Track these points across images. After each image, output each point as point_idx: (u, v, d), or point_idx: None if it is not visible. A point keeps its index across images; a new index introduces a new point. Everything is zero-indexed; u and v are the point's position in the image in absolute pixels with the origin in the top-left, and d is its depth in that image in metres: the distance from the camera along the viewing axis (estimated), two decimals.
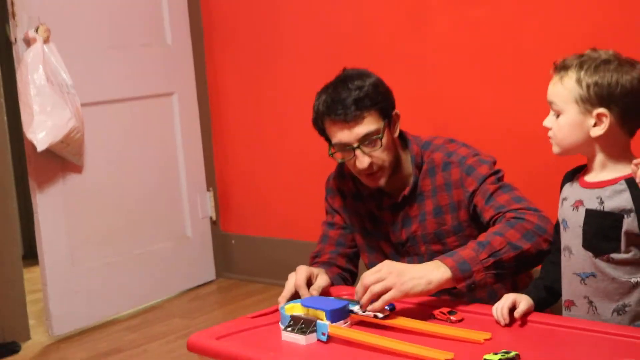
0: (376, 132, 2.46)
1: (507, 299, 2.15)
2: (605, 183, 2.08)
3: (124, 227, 4.23)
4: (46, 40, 3.74)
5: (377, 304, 2.15)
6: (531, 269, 2.40)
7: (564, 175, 2.23)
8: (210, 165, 4.64)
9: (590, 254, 2.08)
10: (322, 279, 2.44)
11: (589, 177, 2.13)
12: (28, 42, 3.74)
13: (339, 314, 2.12)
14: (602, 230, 2.07)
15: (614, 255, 2.05)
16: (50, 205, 3.90)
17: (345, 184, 2.72)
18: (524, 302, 2.14)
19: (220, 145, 4.63)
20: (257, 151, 4.50)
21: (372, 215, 2.67)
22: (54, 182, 3.91)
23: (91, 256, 4.09)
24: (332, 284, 2.50)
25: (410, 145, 2.59)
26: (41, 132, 3.66)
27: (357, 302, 2.25)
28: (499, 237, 2.29)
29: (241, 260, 4.64)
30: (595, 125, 2.06)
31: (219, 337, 2.16)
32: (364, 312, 2.16)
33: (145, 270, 4.31)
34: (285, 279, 2.43)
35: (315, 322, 2.09)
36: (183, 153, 4.50)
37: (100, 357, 3.67)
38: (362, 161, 2.47)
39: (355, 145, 2.46)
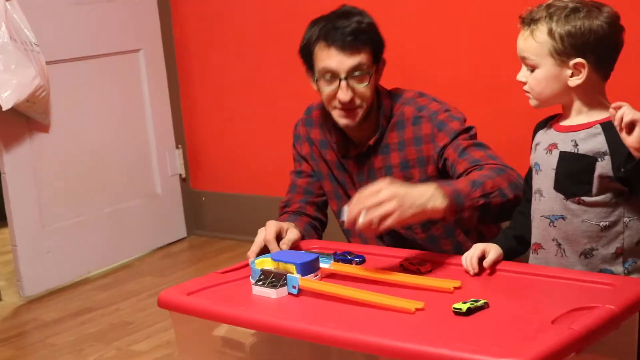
0: (367, 67, 2.46)
1: (476, 248, 2.16)
2: (581, 127, 2.08)
3: (93, 186, 4.21)
4: None
5: (371, 232, 2.13)
6: (507, 220, 2.41)
7: (536, 124, 2.23)
8: (179, 122, 4.61)
9: (562, 196, 2.09)
10: (292, 233, 2.43)
11: (564, 122, 2.13)
12: None
13: (309, 267, 2.12)
14: (575, 173, 2.07)
15: (585, 198, 2.06)
16: (17, 165, 3.87)
17: (313, 132, 2.70)
18: (493, 251, 2.15)
19: (188, 101, 4.60)
20: (225, 107, 4.47)
21: (339, 164, 2.66)
22: (20, 142, 3.87)
23: (61, 216, 4.07)
24: (302, 238, 2.50)
25: (381, 96, 2.58)
26: (6, 91, 3.61)
27: (327, 256, 2.25)
28: (490, 181, 2.29)
29: (212, 217, 4.64)
30: (572, 75, 2.05)
31: (190, 292, 2.16)
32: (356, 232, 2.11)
33: (115, 229, 4.30)
34: (256, 234, 2.42)
35: (286, 275, 2.09)
36: (151, 110, 4.47)
37: (72, 317, 3.66)
38: (346, 93, 2.45)
39: (343, 76, 2.45)
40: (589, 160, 2.05)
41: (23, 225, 3.90)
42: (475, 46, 3.57)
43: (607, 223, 2.07)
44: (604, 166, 2.04)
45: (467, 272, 2.14)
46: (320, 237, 2.68)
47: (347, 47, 2.44)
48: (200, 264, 4.26)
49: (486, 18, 3.53)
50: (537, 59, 2.06)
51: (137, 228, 4.41)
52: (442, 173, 2.52)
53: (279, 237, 2.40)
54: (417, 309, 1.90)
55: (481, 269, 2.14)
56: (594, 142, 2.05)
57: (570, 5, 2.06)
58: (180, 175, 4.65)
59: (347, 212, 2.13)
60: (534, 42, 2.06)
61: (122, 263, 4.31)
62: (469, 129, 2.50)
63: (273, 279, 2.10)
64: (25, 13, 3.73)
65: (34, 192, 3.94)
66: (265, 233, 2.39)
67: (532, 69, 2.08)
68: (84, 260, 4.15)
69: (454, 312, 1.88)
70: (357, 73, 2.45)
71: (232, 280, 2.25)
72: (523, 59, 2.10)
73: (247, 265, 2.28)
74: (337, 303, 2.00)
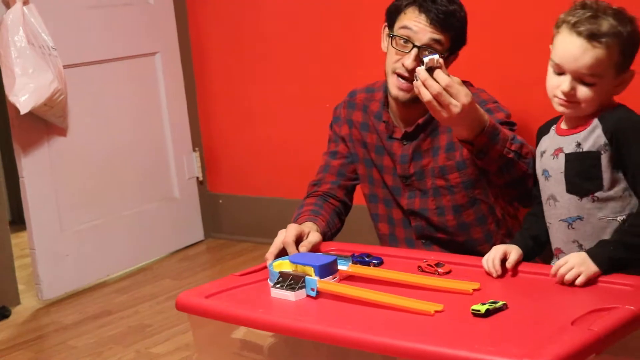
0: (443, 49, 2.48)
1: (497, 250, 2.15)
2: (581, 127, 2.08)
3: (110, 189, 4.21)
4: (26, 2, 3.69)
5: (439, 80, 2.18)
6: (515, 195, 2.44)
7: (538, 130, 2.22)
8: (196, 125, 4.62)
9: (576, 197, 2.08)
10: (313, 236, 2.43)
11: (566, 125, 2.12)
12: (7, 4, 3.68)
13: (328, 270, 2.12)
14: (583, 171, 2.07)
15: (599, 194, 2.06)
16: (35, 169, 3.88)
17: (355, 114, 2.72)
18: (514, 252, 2.14)
19: (205, 104, 4.60)
20: (242, 110, 4.47)
21: (379, 147, 2.66)
22: (38, 146, 3.88)
23: (79, 219, 4.08)
24: (324, 236, 2.50)
25: None
26: (24, 95, 3.62)
27: (345, 258, 2.25)
28: (527, 148, 2.34)
29: (229, 220, 4.64)
30: (619, 84, 2.03)
31: (208, 295, 2.16)
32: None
33: (133, 232, 4.30)
34: (274, 237, 2.42)
35: (304, 278, 2.09)
36: (168, 113, 4.47)
37: (91, 320, 3.67)
38: (412, 62, 2.46)
39: (418, 44, 2.46)
40: (594, 156, 2.05)
41: (41, 228, 3.91)
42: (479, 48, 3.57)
43: (624, 216, 2.06)
44: (608, 158, 2.03)
45: (488, 274, 2.13)
46: (342, 224, 2.70)
47: (435, 22, 2.46)
48: (218, 267, 4.26)
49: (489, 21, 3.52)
50: (603, 74, 2.00)
51: (155, 231, 4.41)
52: None
53: (299, 240, 2.40)
54: (436, 311, 1.90)
55: (503, 270, 2.13)
56: (594, 138, 2.05)
57: (621, 14, 2.01)
58: (198, 178, 4.65)
59: None
60: (608, 62, 1.99)
61: (140, 266, 4.32)
62: (513, 123, 2.52)
63: (291, 281, 2.10)
64: (43, 17, 3.74)
65: (52, 196, 3.95)
66: (285, 235, 2.39)
67: (591, 83, 2.02)
68: (102, 263, 4.16)
69: (472, 313, 1.87)
70: (431, 49, 2.46)
71: (250, 282, 2.25)
72: (582, 75, 2.01)
73: (265, 267, 2.28)
74: (355, 305, 2.00)
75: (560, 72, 2.05)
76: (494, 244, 2.25)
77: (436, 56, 2.22)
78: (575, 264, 1.97)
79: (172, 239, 4.51)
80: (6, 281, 3.89)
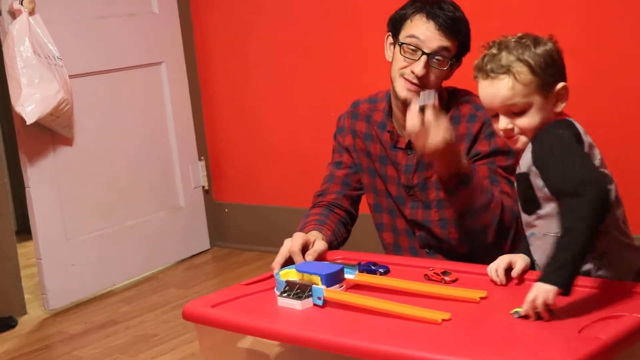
0: (451, 55, 2.49)
1: (502, 260, 2.15)
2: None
3: (116, 198, 4.22)
4: (32, 12, 3.70)
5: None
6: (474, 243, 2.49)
7: None
8: (201, 134, 4.63)
9: (526, 215, 2.12)
10: (319, 244, 2.43)
11: None
12: (13, 14, 3.70)
13: (334, 278, 2.11)
14: (524, 192, 2.10)
15: (539, 212, 2.07)
16: (41, 178, 3.89)
17: (359, 124, 2.71)
18: (520, 261, 2.14)
19: (211, 113, 4.61)
20: (247, 119, 4.48)
21: (384, 157, 2.66)
22: (44, 155, 3.89)
23: (84, 229, 4.08)
24: (330, 245, 2.49)
25: (442, 90, 2.59)
26: (30, 105, 3.63)
27: (352, 266, 2.25)
28: (498, 199, 2.40)
29: (235, 229, 4.64)
30: (556, 101, 2.06)
31: (214, 304, 2.15)
32: None
33: (139, 242, 4.31)
34: (279, 246, 2.42)
35: (311, 286, 2.08)
36: (173, 123, 4.48)
37: (96, 330, 3.67)
38: (422, 69, 2.46)
39: (428, 51, 2.46)
40: (525, 177, 2.08)
41: (47, 238, 3.92)
42: None
43: None
44: (534, 179, 2.05)
45: (494, 282, 2.13)
46: (349, 233, 2.69)
47: (444, 28, 2.46)
48: (223, 276, 4.26)
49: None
50: (527, 100, 2.03)
51: (161, 240, 4.41)
52: None
53: (305, 249, 2.40)
54: (444, 320, 1.89)
55: (508, 279, 2.13)
56: (526, 158, 2.07)
57: (525, 40, 2.06)
58: (203, 187, 4.66)
59: None
60: (521, 86, 2.02)
61: (146, 275, 4.32)
62: (510, 153, 2.50)
63: (298, 290, 2.09)
64: (49, 27, 3.76)
65: (58, 206, 3.95)
66: (292, 244, 2.39)
67: (521, 111, 2.05)
68: (108, 272, 4.16)
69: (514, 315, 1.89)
70: (439, 57, 2.47)
71: (256, 291, 2.24)
72: (509, 107, 2.05)
73: (271, 276, 2.28)
74: (362, 314, 2.00)
75: (494, 115, 2.11)
76: (498, 255, 2.24)
77: (433, 92, 2.25)
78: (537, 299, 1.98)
79: (178, 248, 4.51)
80: (12, 291, 3.90)
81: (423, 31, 2.46)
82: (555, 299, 1.86)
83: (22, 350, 3.52)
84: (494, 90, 2.06)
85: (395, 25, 2.54)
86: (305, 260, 2.35)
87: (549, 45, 2.06)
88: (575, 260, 1.90)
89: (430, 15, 2.47)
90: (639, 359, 1.86)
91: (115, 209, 4.22)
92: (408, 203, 2.61)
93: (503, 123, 2.07)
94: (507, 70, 2.03)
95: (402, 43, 2.49)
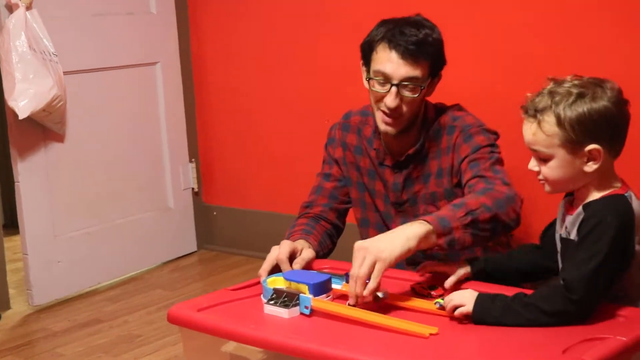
0: (421, 80, 2.46)
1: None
2: (573, 210, 2.06)
3: (105, 197, 4.21)
4: (29, 7, 3.69)
5: (371, 284, 2.07)
6: (502, 235, 2.41)
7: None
8: (193, 137, 4.62)
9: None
10: (307, 252, 2.43)
11: (575, 203, 2.09)
12: (10, 8, 3.69)
13: (322, 288, 2.12)
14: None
15: None
16: (31, 174, 3.87)
17: (350, 137, 2.71)
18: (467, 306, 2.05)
19: (204, 116, 4.60)
20: (240, 123, 4.48)
21: (372, 172, 2.66)
22: (35, 151, 3.87)
23: (72, 226, 4.07)
24: (317, 254, 2.49)
25: (428, 110, 2.59)
26: (23, 100, 3.62)
27: (339, 276, 2.25)
28: (473, 200, 2.29)
29: (223, 232, 4.64)
30: (587, 160, 2.00)
31: (200, 309, 2.16)
32: (358, 303, 2.09)
33: (126, 241, 4.30)
34: (267, 251, 2.42)
35: (298, 295, 2.09)
36: (166, 124, 4.48)
37: (80, 328, 3.66)
38: (394, 100, 2.45)
39: (396, 82, 2.44)
40: (572, 243, 2.03)
41: (35, 234, 3.90)
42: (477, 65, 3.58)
43: None
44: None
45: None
46: (334, 245, 2.69)
47: (408, 55, 2.43)
48: (209, 279, 4.25)
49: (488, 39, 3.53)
50: (549, 151, 2.00)
51: (148, 241, 4.41)
52: (461, 184, 2.54)
53: (292, 257, 2.40)
54: (431, 334, 1.89)
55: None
56: (576, 225, 2.03)
57: (574, 90, 1.99)
58: (193, 189, 4.65)
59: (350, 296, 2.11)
60: (544, 135, 1.99)
61: (131, 275, 4.31)
62: (493, 145, 2.51)
63: (285, 298, 2.10)
64: (45, 23, 3.75)
65: (46, 202, 3.94)
66: (279, 252, 2.39)
67: (545, 159, 2.02)
68: (94, 271, 4.15)
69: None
70: (409, 83, 2.45)
71: (243, 297, 2.25)
72: (534, 151, 2.04)
73: (258, 282, 2.28)
74: (349, 325, 2.00)
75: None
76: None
77: (385, 295, 2.13)
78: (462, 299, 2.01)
79: (165, 249, 4.50)
80: None
81: (387, 63, 2.45)
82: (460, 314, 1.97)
83: (4, 345, 3.50)
84: (524, 130, 2.04)
85: (365, 54, 2.54)
86: (292, 268, 2.35)
87: (600, 104, 1.98)
88: (503, 316, 1.95)
89: (392, 44, 2.44)
90: None
91: (104, 207, 4.21)
92: (397, 219, 2.61)
93: (531, 164, 2.06)
94: (536, 115, 2.00)
95: (370, 78, 2.49)
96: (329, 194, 2.72)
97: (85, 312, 3.84)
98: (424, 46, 2.45)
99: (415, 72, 2.44)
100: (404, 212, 2.62)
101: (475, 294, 2.00)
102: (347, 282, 2.24)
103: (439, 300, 2.01)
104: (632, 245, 1.99)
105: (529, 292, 2.00)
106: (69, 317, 3.79)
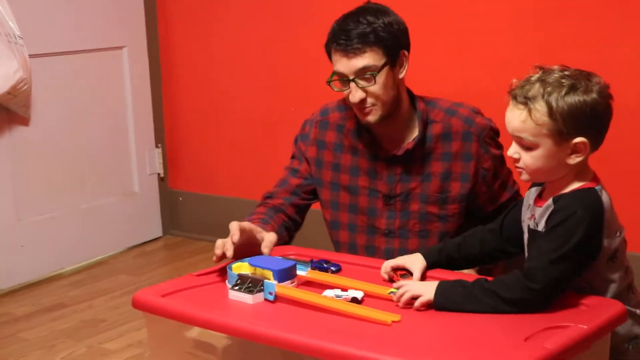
0: (373, 68, 2.43)
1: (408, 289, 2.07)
2: (543, 202, 2.05)
3: (70, 181, 4.19)
4: None
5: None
6: None
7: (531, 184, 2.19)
8: (160, 122, 4.60)
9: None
10: (270, 235, 2.38)
11: (545, 195, 2.08)
12: None
13: (287, 274, 2.12)
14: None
15: None
16: None
17: (328, 135, 2.66)
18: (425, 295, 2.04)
19: (171, 101, 4.59)
20: (206, 108, 4.47)
21: (354, 168, 2.62)
22: None
23: (36, 210, 4.05)
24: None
25: (415, 100, 2.57)
26: None
27: (305, 263, 2.25)
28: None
29: (188, 218, 4.63)
30: (571, 153, 1.98)
31: (165, 294, 2.15)
32: None
33: (91, 226, 4.28)
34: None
35: (263, 281, 2.09)
36: (132, 109, 4.46)
37: (44, 312, 3.64)
38: (355, 95, 2.44)
39: (351, 77, 2.44)
40: (540, 235, 2.03)
41: None
42: (460, 61, 3.59)
43: None
44: None
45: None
46: (291, 239, 2.68)
47: (350, 50, 2.42)
48: (174, 264, 4.25)
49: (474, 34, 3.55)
50: (535, 139, 1.97)
51: (113, 225, 4.39)
52: (472, 191, 2.58)
53: (251, 240, 2.35)
54: (394, 322, 1.90)
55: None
56: (544, 217, 2.03)
57: (565, 81, 1.97)
58: (159, 174, 4.64)
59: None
60: (533, 124, 1.96)
61: (96, 260, 4.30)
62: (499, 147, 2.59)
63: (250, 284, 2.10)
64: (11, 5, 3.71)
65: (10, 185, 3.92)
66: (239, 223, 2.33)
67: (528, 147, 2.00)
68: (58, 255, 4.13)
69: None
70: (365, 74, 2.43)
71: (207, 283, 2.24)
72: (518, 138, 2.00)
73: (223, 268, 2.27)
74: (313, 311, 2.01)
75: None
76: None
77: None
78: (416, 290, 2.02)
79: (130, 234, 4.49)
80: None
81: (337, 63, 2.46)
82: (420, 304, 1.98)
83: None
84: (511, 116, 2.01)
85: (329, 56, 2.53)
86: (235, 243, 2.30)
87: (590, 97, 1.96)
88: (464, 302, 1.96)
89: (335, 44, 2.45)
90: None
91: (68, 191, 4.19)
92: (384, 213, 2.60)
93: (511, 150, 2.03)
94: (527, 103, 1.97)
95: (331, 81, 2.50)
96: (292, 190, 2.68)
97: (49, 297, 3.82)
98: (366, 36, 2.42)
99: (363, 61, 2.42)
100: (393, 206, 2.59)
101: (433, 283, 2.01)
102: (312, 268, 2.25)
103: (392, 289, 2.02)
104: (600, 238, 2.00)
105: (490, 278, 2.02)
106: (32, 302, 3.77)
